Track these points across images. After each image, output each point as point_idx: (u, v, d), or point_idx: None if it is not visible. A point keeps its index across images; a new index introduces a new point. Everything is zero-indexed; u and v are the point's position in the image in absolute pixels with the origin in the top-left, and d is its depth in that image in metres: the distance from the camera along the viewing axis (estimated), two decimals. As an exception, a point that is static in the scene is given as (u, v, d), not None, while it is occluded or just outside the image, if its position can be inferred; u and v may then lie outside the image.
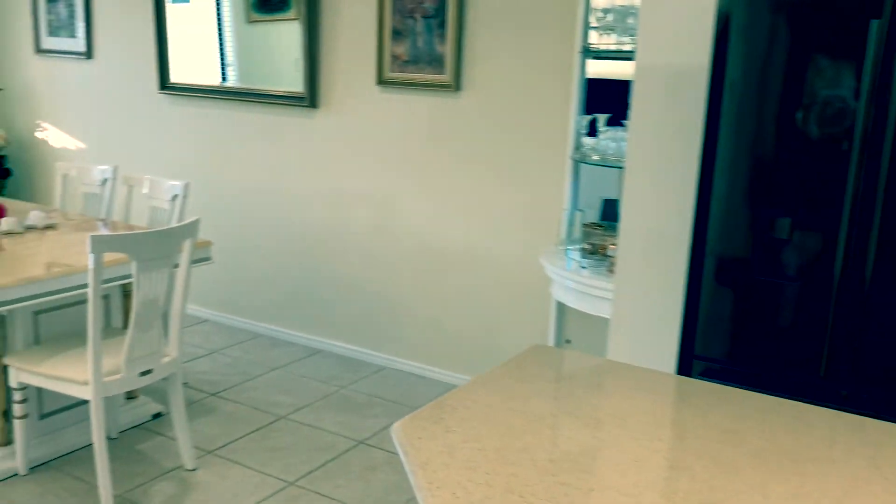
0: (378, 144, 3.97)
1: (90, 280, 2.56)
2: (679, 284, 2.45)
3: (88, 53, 4.91)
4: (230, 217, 4.47)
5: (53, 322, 3.03)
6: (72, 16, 4.94)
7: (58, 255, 2.98)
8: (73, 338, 2.97)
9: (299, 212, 4.27)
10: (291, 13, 4.18)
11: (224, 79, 4.58)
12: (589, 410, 1.55)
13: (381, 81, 3.88)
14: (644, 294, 2.52)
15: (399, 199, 3.95)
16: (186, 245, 2.84)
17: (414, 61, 3.78)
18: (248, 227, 4.43)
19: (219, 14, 4.54)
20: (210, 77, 4.52)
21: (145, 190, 3.74)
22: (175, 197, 3.67)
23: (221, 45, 4.58)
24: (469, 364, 3.87)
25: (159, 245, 2.70)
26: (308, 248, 4.27)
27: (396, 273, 4.02)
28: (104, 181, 3.94)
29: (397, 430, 1.42)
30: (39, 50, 5.14)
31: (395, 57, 3.83)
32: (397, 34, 3.80)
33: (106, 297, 3.21)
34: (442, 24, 3.67)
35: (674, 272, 2.44)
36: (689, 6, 2.31)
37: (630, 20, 3.02)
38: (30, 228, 3.36)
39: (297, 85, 4.15)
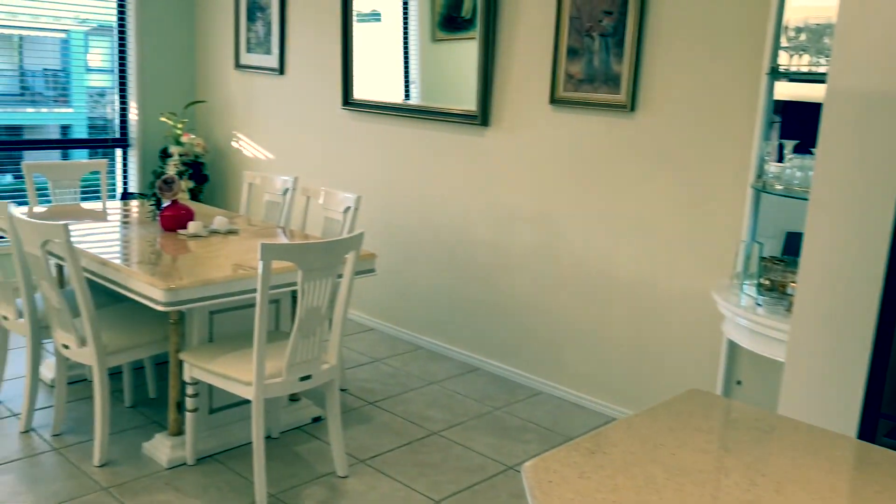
0: (546, 164, 3.90)
1: (259, 285, 2.68)
2: (867, 332, 2.19)
3: (281, 69, 5.21)
4: (400, 230, 4.56)
5: (227, 322, 3.21)
6: (268, 34, 5.27)
7: (236, 260, 3.16)
8: (242, 339, 3.13)
9: (466, 229, 4.28)
10: (473, 32, 4.22)
11: (407, 96, 4.69)
12: (742, 470, 1.40)
13: (555, 100, 3.81)
14: (825, 340, 2.27)
15: (565, 220, 3.85)
16: (350, 257, 2.91)
17: (589, 80, 3.69)
18: (417, 241, 4.50)
19: (405, 33, 4.67)
20: (394, 94, 4.65)
21: (321, 201, 3.89)
22: (347, 209, 3.79)
23: (406, 63, 4.70)
24: (630, 397, 3.70)
25: (324, 256, 2.78)
26: (472, 264, 4.27)
27: (558, 296, 3.93)
28: (285, 191, 4.14)
29: (528, 470, 1.35)
30: (238, 65, 5.52)
31: (569, 76, 3.75)
32: (573, 53, 3.73)
33: (276, 302, 3.36)
34: (620, 43, 3.55)
35: (861, 318, 2.19)
36: (894, 24, 2.06)
37: (826, 40, 2.77)
38: (214, 232, 3.59)
39: (471, 103, 4.16)
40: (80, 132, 5.64)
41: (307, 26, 5.02)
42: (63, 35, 5.51)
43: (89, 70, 5.72)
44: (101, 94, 5.73)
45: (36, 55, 5.46)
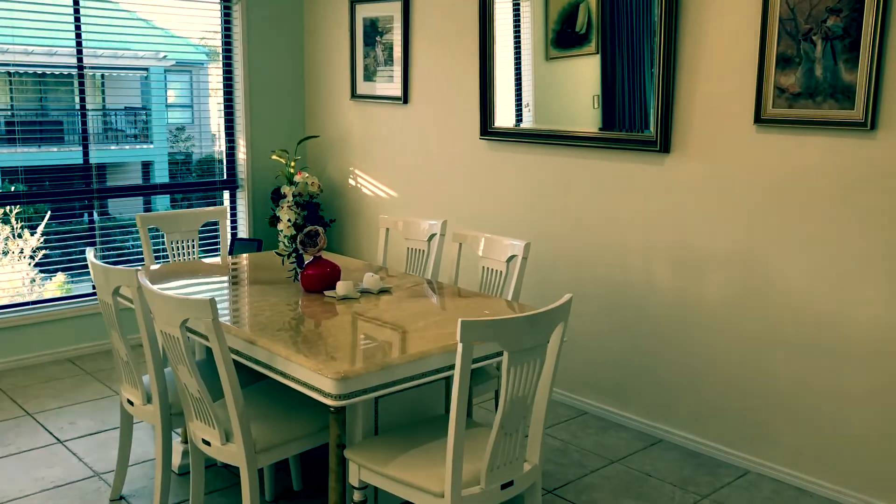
0: (750, 196, 3.23)
1: (457, 372, 2.09)
2: None
3: (404, 98, 4.68)
4: (557, 276, 3.94)
5: (393, 407, 2.63)
6: (389, 59, 4.76)
7: (406, 328, 2.58)
8: (416, 431, 2.55)
9: (639, 272, 3.64)
10: (591, 47, 3.73)
11: (519, 121, 4.12)
12: None
13: (761, 120, 3.15)
14: None
15: (777, 263, 3.17)
16: (558, 330, 2.31)
17: (808, 94, 3.02)
18: (579, 289, 3.87)
19: (517, 53, 4.11)
20: (506, 119, 4.09)
21: (480, 248, 3.31)
22: (512, 258, 3.20)
23: (518, 84, 4.13)
24: (878, 482, 2.98)
25: (534, 330, 2.18)
26: (650, 316, 3.62)
27: (769, 355, 3.24)
28: (431, 236, 3.57)
29: None
30: (355, 95, 5.02)
31: (780, 89, 3.09)
32: (785, 62, 3.06)
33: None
34: (853, 46, 2.88)
35: None
36: None
37: None
38: (364, 293, 3.04)
39: (589, 124, 3.61)
40: (162, 168, 5.20)
41: (434, 48, 4.48)
42: (144, 72, 5.10)
43: (169, 106, 5.29)
44: (181, 129, 5.30)
45: (118, 93, 5.06)
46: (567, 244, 3.90)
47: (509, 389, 2.17)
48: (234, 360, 2.46)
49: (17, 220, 4.63)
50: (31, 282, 4.75)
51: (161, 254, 4.55)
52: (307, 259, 3.08)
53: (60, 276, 4.78)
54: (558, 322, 2.28)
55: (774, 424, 3.25)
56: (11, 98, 4.42)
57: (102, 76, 4.98)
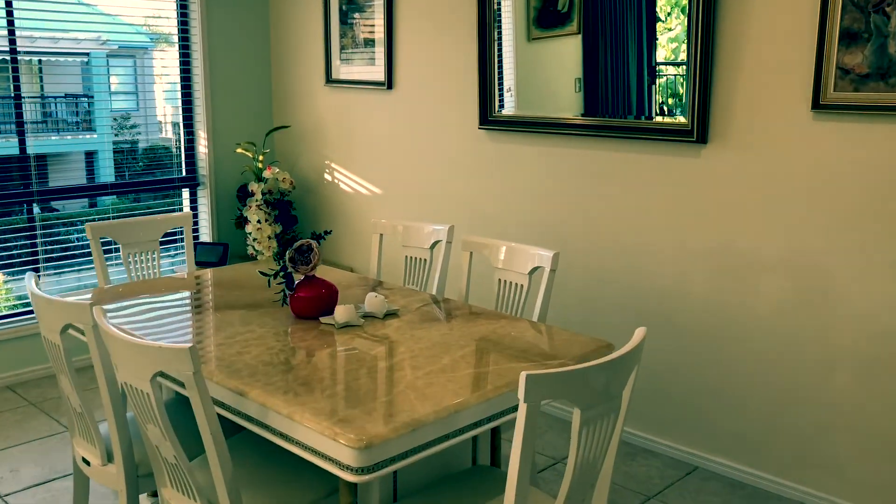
0: (807, 192, 2.82)
1: (519, 441, 1.62)
2: None
3: (388, 83, 4.17)
4: (576, 286, 3.49)
5: (412, 466, 2.15)
6: (370, 39, 4.23)
7: (427, 367, 2.10)
8: (441, 493, 2.08)
9: (670, 279, 3.21)
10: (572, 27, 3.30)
11: (501, 107, 3.68)
12: None
13: (820, 105, 2.73)
14: None
15: (832, 269, 2.77)
16: (632, 378, 1.85)
17: (879, 75, 2.60)
18: (600, 299, 3.43)
19: (499, 33, 3.67)
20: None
21: (500, 260, 2.84)
22: (535, 270, 2.74)
23: (500, 68, 3.68)
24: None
25: (612, 379, 1.73)
26: (684, 329, 3.19)
27: (824, 374, 2.84)
28: (434, 244, 3.09)
29: None
30: (330, 80, 4.49)
31: (844, 70, 2.67)
32: (850, 38, 2.65)
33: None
34: (936, 19, 2.47)
35: None
36: None
37: None
38: (368, 317, 2.54)
39: (572, 109, 3.17)
40: (106, 157, 4.62)
41: (423, 26, 3.98)
42: (85, 58, 4.54)
43: (112, 93, 4.71)
44: (126, 118, 4.73)
45: (57, 79, 4.50)
46: (586, 247, 3.45)
47: (580, 454, 1.71)
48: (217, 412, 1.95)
49: None
50: None
51: (115, 264, 3.97)
52: (297, 279, 2.57)
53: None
54: (634, 365, 1.83)
55: (836, 452, 2.86)
56: None
57: (40, 62, 4.38)
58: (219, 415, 1.95)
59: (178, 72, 4.59)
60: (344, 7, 4.33)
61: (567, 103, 3.51)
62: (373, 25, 4.21)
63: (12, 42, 3.93)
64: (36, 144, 4.15)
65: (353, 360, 2.20)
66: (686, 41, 3.04)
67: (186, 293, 2.91)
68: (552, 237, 3.52)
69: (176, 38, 4.54)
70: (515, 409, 1.98)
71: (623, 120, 3.30)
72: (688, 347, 3.19)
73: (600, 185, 3.38)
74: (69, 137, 4.73)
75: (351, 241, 4.53)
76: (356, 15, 4.29)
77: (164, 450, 1.97)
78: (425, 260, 3.12)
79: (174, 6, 4.48)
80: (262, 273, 2.63)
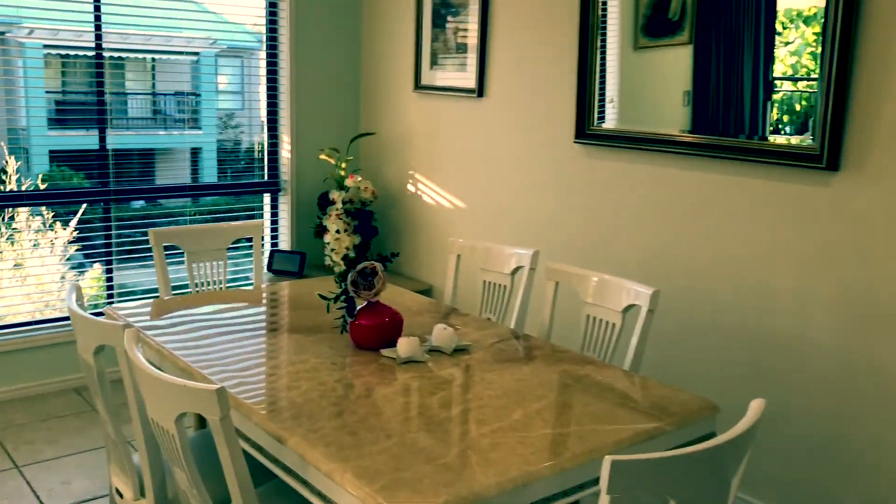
0: (962, 236, 2.37)
1: (595, 537, 1.30)
2: None
3: (479, 90, 3.89)
4: (672, 326, 3.11)
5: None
6: (462, 44, 3.97)
7: (492, 429, 1.80)
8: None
9: (793, 328, 2.79)
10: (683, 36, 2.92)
11: (601, 119, 3.33)
12: None
13: (985, 132, 2.29)
14: None
15: None
16: (744, 463, 1.50)
17: None
18: (701, 341, 3.04)
19: (603, 41, 3.34)
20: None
21: (589, 297, 2.51)
22: (630, 308, 2.40)
23: (602, 78, 3.34)
24: None
25: (715, 469, 1.38)
26: (804, 385, 2.77)
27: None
28: (516, 270, 2.79)
29: None
30: (419, 86, 4.24)
31: None
32: None
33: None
34: None
35: None
36: None
37: None
38: (434, 352, 2.26)
39: (677, 125, 2.79)
40: (210, 155, 4.55)
41: (520, 31, 3.68)
42: (195, 57, 4.51)
43: (219, 92, 4.66)
44: (230, 116, 4.65)
45: (168, 77, 4.49)
46: (690, 284, 3.07)
47: (674, 557, 1.38)
48: (248, 445, 1.71)
49: (48, 210, 3.99)
50: (62, 279, 4.11)
51: (178, 272, 3.82)
52: (359, 304, 2.31)
53: (97, 268, 4.11)
54: (748, 447, 1.48)
55: (982, 546, 2.39)
56: (63, 81, 3.84)
57: (153, 60, 4.41)
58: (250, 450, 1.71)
59: (265, 74, 4.44)
60: (438, 8, 4.08)
61: (672, 118, 3.16)
62: (466, 29, 3.94)
63: (98, 38, 3.84)
64: (145, 140, 4.16)
65: (411, 406, 1.92)
66: (819, 54, 2.63)
67: (244, 310, 2.70)
68: (651, 270, 3.15)
69: (264, 40, 4.39)
70: (597, 482, 1.66)
71: (735, 139, 2.91)
72: (810, 410, 2.77)
73: (708, 212, 2.99)
74: (176, 134, 4.70)
75: (431, 255, 4.27)
76: (450, 18, 4.03)
77: (192, 497, 1.74)
78: (505, 287, 2.82)
79: (264, 8, 4.34)
80: (321, 297, 2.39)
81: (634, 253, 3.24)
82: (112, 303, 4.12)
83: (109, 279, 4.09)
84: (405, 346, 2.19)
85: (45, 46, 3.99)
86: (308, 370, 2.10)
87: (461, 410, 1.89)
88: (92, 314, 2.03)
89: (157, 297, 2.99)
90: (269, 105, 4.47)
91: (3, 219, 3.92)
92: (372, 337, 2.25)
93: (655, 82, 3.29)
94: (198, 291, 3.09)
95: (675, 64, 3.17)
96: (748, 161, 2.85)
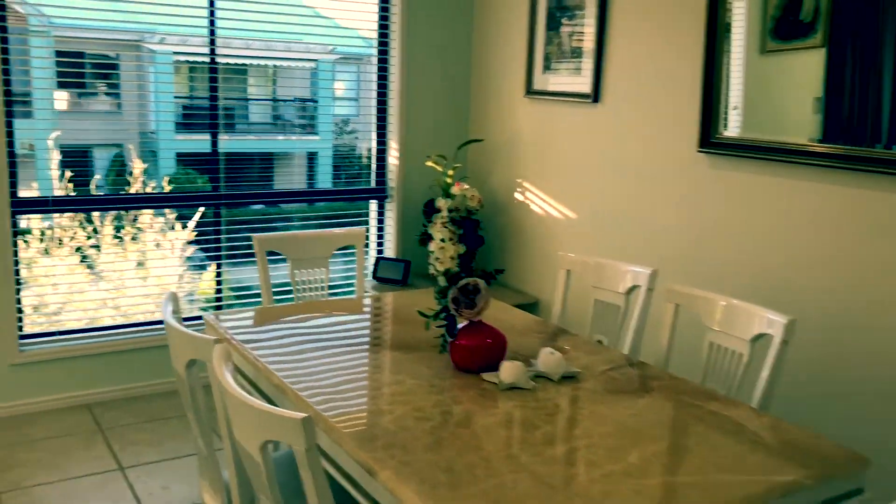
0: None
1: None
2: None
3: (595, 95, 3.68)
4: (808, 357, 2.81)
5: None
6: (577, 47, 3.77)
7: (603, 473, 1.61)
8: None
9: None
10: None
11: (724, 126, 3.05)
12: None
13: None
14: None
15: None
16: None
17: None
18: (844, 381, 2.74)
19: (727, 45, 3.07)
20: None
21: (713, 323, 2.27)
22: (761, 337, 2.15)
23: (728, 83, 3.07)
24: None
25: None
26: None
27: None
28: (631, 289, 2.58)
29: None
30: (530, 91, 4.07)
31: None
32: None
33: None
34: None
35: None
36: None
37: None
38: (540, 378, 2.09)
39: (807, 133, 2.51)
40: (325, 160, 4.53)
41: (639, 34, 3.46)
42: (313, 64, 4.54)
43: (336, 99, 4.66)
44: (346, 122, 4.62)
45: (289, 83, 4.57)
46: (828, 312, 2.77)
47: None
48: (336, 472, 1.59)
49: (171, 210, 4.09)
50: (180, 278, 4.19)
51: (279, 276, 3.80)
52: (461, 323, 2.17)
53: (213, 268, 4.17)
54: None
55: None
56: (194, 87, 3.95)
57: (275, 67, 4.51)
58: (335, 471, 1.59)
59: (376, 79, 4.38)
60: (553, 10, 3.90)
61: (801, 126, 2.88)
62: (582, 32, 3.74)
63: (212, 44, 3.88)
64: (262, 144, 4.21)
65: (513, 440, 1.76)
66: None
67: (343, 322, 2.61)
68: (783, 295, 2.87)
69: (375, 46, 4.33)
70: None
71: (872, 149, 2.61)
72: (961, 452, 2.43)
73: (847, 229, 2.69)
74: (294, 139, 4.76)
75: (537, 267, 4.09)
76: (565, 20, 3.85)
77: (277, 525, 1.64)
78: (619, 307, 2.62)
79: (375, 13, 4.28)
80: (421, 314, 2.26)
81: (764, 275, 2.96)
82: (220, 306, 4.16)
83: (219, 281, 4.13)
84: (509, 370, 2.03)
85: (175, 54, 4.10)
86: (404, 392, 1.97)
87: (568, 449, 1.71)
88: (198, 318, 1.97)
89: (261, 303, 2.96)
90: (378, 111, 4.41)
91: (128, 219, 4.04)
92: (473, 359, 2.10)
93: (783, 88, 3.01)
94: (300, 299, 3.04)
95: (805, 68, 2.90)
96: (888, 174, 2.54)
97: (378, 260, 4.35)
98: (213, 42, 3.87)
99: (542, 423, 1.84)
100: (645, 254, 3.36)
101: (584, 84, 3.75)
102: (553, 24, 3.92)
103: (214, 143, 3.96)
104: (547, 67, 3.98)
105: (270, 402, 2.07)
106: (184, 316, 4.01)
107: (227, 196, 4.03)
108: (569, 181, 3.90)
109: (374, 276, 4.30)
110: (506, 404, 1.93)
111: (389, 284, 4.24)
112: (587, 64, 3.71)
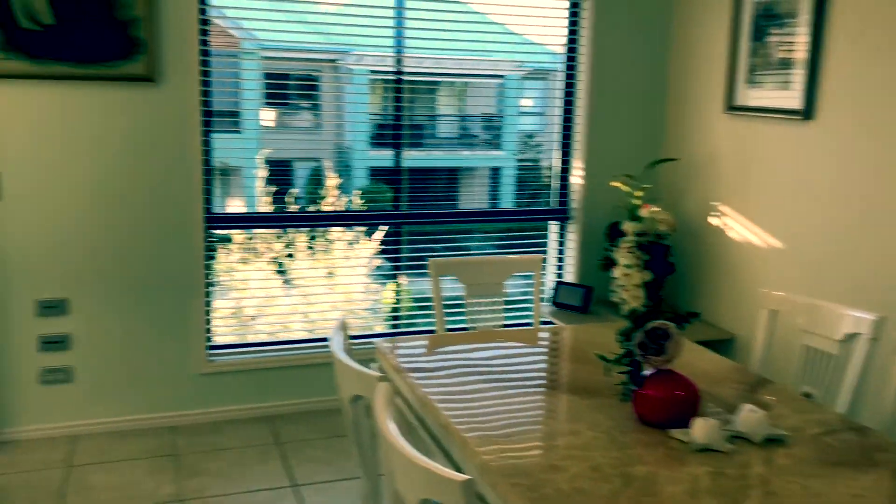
0: None
1: None
2: None
3: (806, 112, 3.29)
4: None
5: None
6: (787, 60, 3.40)
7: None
8: None
9: None
10: None
11: None
12: None
13: None
14: None
15: None
16: None
17: None
18: None
19: None
20: None
21: (959, 386, 1.90)
22: None
23: None
24: None
25: None
26: None
27: None
28: (850, 337, 2.23)
29: None
30: (731, 107, 3.73)
31: None
32: None
33: None
34: None
35: None
36: None
37: None
38: (738, 439, 1.82)
39: None
40: (508, 179, 4.42)
41: (862, 44, 3.04)
42: (500, 79, 4.47)
43: (521, 114, 4.54)
44: (530, 136, 4.48)
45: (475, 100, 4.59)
46: None
47: None
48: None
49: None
50: (364, 290, 4.26)
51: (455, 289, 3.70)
52: (647, 370, 1.95)
53: (398, 282, 4.20)
54: None
55: None
56: (385, 104, 4.05)
57: (463, 84, 4.55)
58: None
59: (562, 94, 4.21)
60: (759, 19, 3.55)
61: None
62: (793, 42, 3.37)
63: (398, 60, 3.87)
64: (449, 160, 4.30)
65: (707, 516, 1.51)
66: None
67: (517, 356, 2.46)
68: None
69: (562, 60, 4.16)
70: None
71: None
72: None
73: None
74: (479, 154, 4.75)
75: (735, 300, 3.73)
76: (773, 29, 3.48)
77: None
78: (833, 356, 2.27)
79: (564, 27, 4.11)
80: (601, 358, 2.06)
81: None
82: (398, 317, 4.14)
83: (397, 294, 4.12)
84: (702, 429, 1.78)
85: (371, 72, 4.18)
86: (580, 446, 1.78)
87: (774, 535, 1.45)
88: (373, 336, 1.90)
89: (434, 330, 2.87)
90: (563, 128, 4.23)
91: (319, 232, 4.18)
92: (660, 412, 1.87)
93: None
94: (474, 321, 2.93)
95: None
96: None
97: (558, 284, 4.16)
98: (399, 59, 3.87)
99: (740, 495, 1.58)
100: (867, 296, 2.94)
101: (793, 99, 3.36)
102: (758, 34, 3.56)
103: (398, 159, 3.97)
104: (750, 81, 3.63)
105: (436, 441, 1.95)
106: (363, 334, 4.08)
107: (408, 215, 4.02)
108: (773, 206, 3.52)
109: (554, 302, 4.12)
110: (697, 469, 1.68)
111: (569, 311, 4.04)
112: (798, 76, 3.33)
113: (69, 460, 3.27)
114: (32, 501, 2.95)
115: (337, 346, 1.92)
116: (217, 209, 3.68)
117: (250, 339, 3.93)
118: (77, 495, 3.01)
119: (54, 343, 3.41)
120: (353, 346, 3.56)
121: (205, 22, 3.43)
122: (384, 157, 4.10)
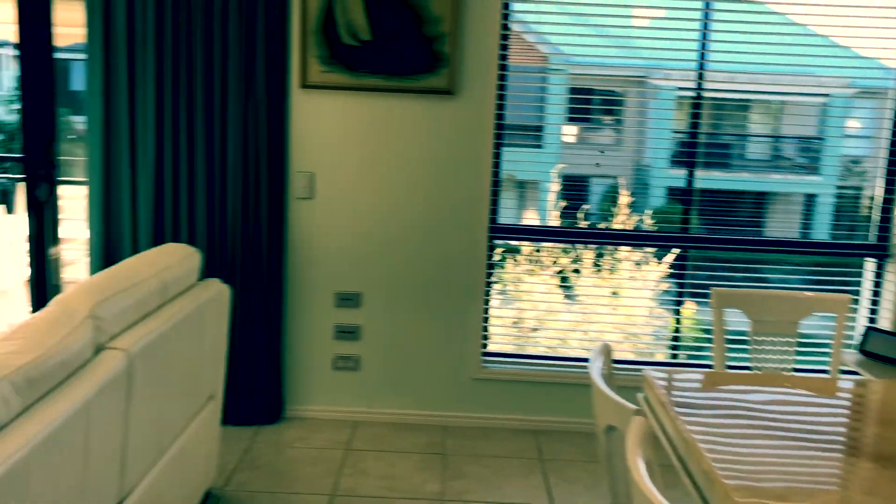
0: None
1: None
2: None
3: None
4: None
5: None
6: None
7: None
8: None
9: None
10: None
11: None
12: None
13: None
14: None
15: None
16: None
17: None
18: None
19: None
20: None
21: None
22: None
23: None
24: None
25: None
26: None
27: None
28: None
29: None
30: None
31: None
32: None
33: None
34: None
35: None
36: None
37: None
38: None
39: None
40: (825, 200, 4.00)
41: None
42: (824, 98, 4.03)
43: (846, 136, 4.06)
44: (856, 162, 3.98)
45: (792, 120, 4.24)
46: None
47: None
48: None
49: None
50: (648, 313, 4.14)
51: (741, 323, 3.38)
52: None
53: (686, 308, 4.03)
54: None
55: None
56: (689, 122, 3.95)
57: (781, 102, 4.24)
58: None
59: (892, 116, 3.69)
60: None
61: None
62: None
63: (700, 77, 3.66)
64: (751, 183, 4.11)
65: None
66: None
67: (809, 406, 2.17)
68: None
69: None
70: None
71: None
72: None
73: None
74: (791, 178, 4.42)
75: None
76: None
77: None
78: None
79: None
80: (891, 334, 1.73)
81: None
82: (678, 346, 3.92)
83: (678, 321, 3.90)
84: None
85: (679, 90, 4.04)
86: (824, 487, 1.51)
87: None
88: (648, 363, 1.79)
89: (712, 367, 2.65)
90: (890, 153, 3.71)
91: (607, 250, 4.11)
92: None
93: None
94: (758, 362, 2.65)
95: None
96: None
97: (868, 330, 3.64)
98: (701, 75, 3.65)
99: None
100: None
101: None
102: None
103: (690, 179, 3.75)
104: None
105: (696, 486, 1.77)
106: (639, 360, 3.91)
107: (698, 239, 3.78)
108: None
109: (861, 350, 3.61)
110: None
111: (881, 362, 3.51)
112: None
113: (349, 444, 3.53)
114: (314, 475, 3.22)
115: (595, 372, 1.83)
116: (506, 220, 3.75)
117: (524, 350, 3.95)
118: (351, 478, 3.22)
119: (347, 333, 3.71)
120: (626, 373, 3.45)
121: (504, 37, 3.52)
122: (680, 176, 3.91)
